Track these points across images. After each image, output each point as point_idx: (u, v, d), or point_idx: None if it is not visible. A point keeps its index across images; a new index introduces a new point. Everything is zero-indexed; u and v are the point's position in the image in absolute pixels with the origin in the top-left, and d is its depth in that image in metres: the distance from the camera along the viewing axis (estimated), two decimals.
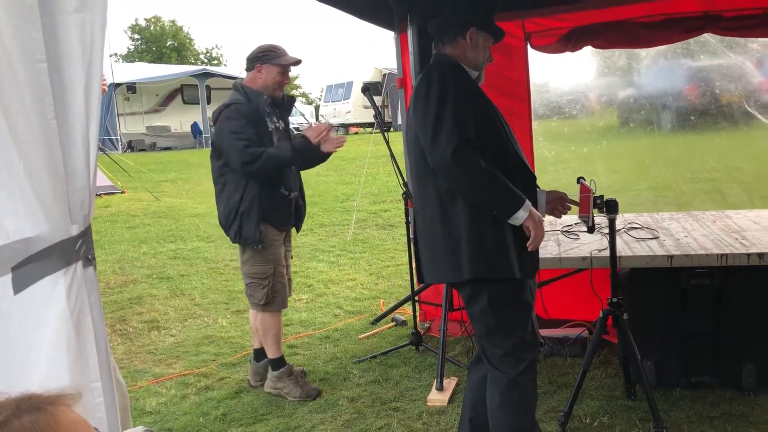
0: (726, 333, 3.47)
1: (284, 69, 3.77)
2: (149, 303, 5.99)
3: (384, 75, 24.54)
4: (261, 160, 3.56)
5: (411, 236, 2.87)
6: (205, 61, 46.12)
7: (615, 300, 3.25)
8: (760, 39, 4.49)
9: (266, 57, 3.73)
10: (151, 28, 45.88)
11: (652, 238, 3.67)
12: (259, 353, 4.05)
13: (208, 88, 26.37)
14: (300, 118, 26.36)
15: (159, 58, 42.36)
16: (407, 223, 4.37)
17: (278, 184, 3.77)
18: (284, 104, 3.97)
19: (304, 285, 6.31)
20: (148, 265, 7.46)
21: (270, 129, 3.75)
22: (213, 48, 57.96)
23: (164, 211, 11.13)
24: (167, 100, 26.77)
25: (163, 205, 11.67)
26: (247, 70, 3.82)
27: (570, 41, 4.17)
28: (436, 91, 2.45)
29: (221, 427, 3.61)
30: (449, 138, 2.37)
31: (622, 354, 3.63)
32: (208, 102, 26.10)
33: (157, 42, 45.48)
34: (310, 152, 3.75)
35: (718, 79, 5.07)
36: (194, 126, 26.66)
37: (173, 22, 46.35)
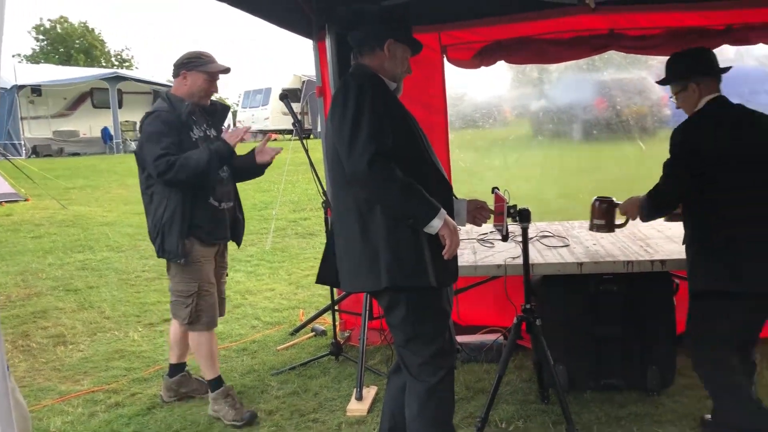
0: (632, 337, 3.63)
1: (211, 77, 3.63)
2: (55, 317, 5.70)
3: (303, 82, 24.41)
4: (175, 168, 3.41)
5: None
6: (116, 63, 44.49)
7: (528, 306, 3.34)
8: (660, 57, 4.74)
9: (192, 64, 3.59)
10: (58, 28, 43.86)
11: (563, 246, 3.80)
12: (174, 368, 3.92)
13: (120, 92, 25.46)
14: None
15: (67, 59, 40.50)
16: (327, 231, 4.34)
17: (206, 194, 3.59)
18: (217, 112, 3.82)
19: None
20: (54, 277, 7.10)
21: (195, 138, 3.59)
22: (123, 50, 55.86)
23: (72, 219, 10.64)
24: (76, 104, 25.63)
25: (71, 214, 11.16)
26: (174, 76, 3.66)
27: (484, 57, 4.30)
28: (353, 101, 2.45)
29: None
30: (365, 147, 2.38)
31: (535, 359, 3.74)
32: (120, 106, 25.19)
33: (65, 43, 43.51)
34: (230, 157, 3.58)
35: (622, 93, 5.32)
36: (104, 131, 25.67)
37: (84, 23, 44.49)
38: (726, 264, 2.86)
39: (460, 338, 4.07)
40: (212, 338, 3.73)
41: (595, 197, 3.48)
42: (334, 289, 4.51)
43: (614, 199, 3.47)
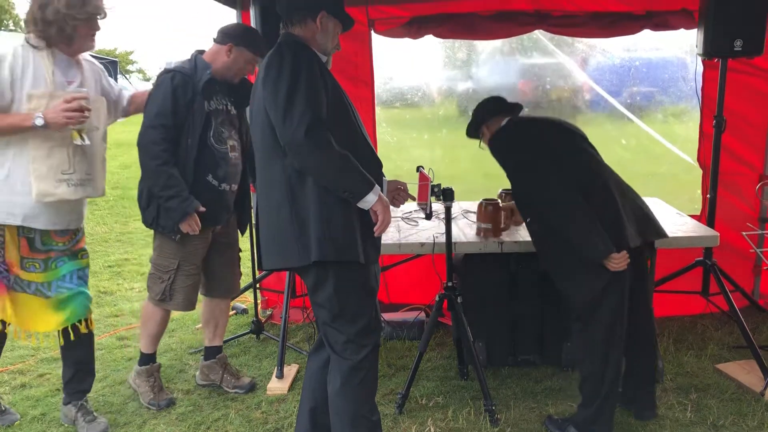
0: (548, 314, 3.73)
1: (255, 60, 3.33)
2: None
3: None
4: (157, 179, 3.16)
5: (254, 221, 2.78)
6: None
7: (450, 284, 3.38)
8: (584, 39, 4.85)
9: (244, 40, 3.29)
10: None
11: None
12: (207, 350, 3.74)
13: None
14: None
15: None
16: (249, 208, 4.24)
17: (205, 171, 3.28)
18: (243, 89, 3.45)
19: (136, 273, 5.96)
20: None
21: (208, 110, 3.27)
22: None
23: None
24: None
25: None
26: (216, 41, 3.34)
27: (412, 28, 4.27)
28: (289, 69, 2.38)
29: (40, 427, 3.32)
30: (302, 116, 2.31)
31: (456, 336, 3.79)
32: None
33: None
34: (179, 220, 3.25)
35: (545, 77, 5.43)
36: None
37: None
38: None
39: (382, 315, 4.09)
40: (166, 318, 3.56)
41: (482, 199, 3.59)
42: (256, 268, 4.42)
43: (500, 202, 3.58)
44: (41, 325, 3.08)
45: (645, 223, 2.99)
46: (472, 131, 3.28)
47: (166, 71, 3.29)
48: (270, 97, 2.40)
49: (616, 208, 2.87)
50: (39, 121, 2.72)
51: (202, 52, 3.39)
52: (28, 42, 2.81)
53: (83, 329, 3.19)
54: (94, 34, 2.90)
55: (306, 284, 2.63)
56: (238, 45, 3.30)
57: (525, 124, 3.19)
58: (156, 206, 3.28)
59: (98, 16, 2.89)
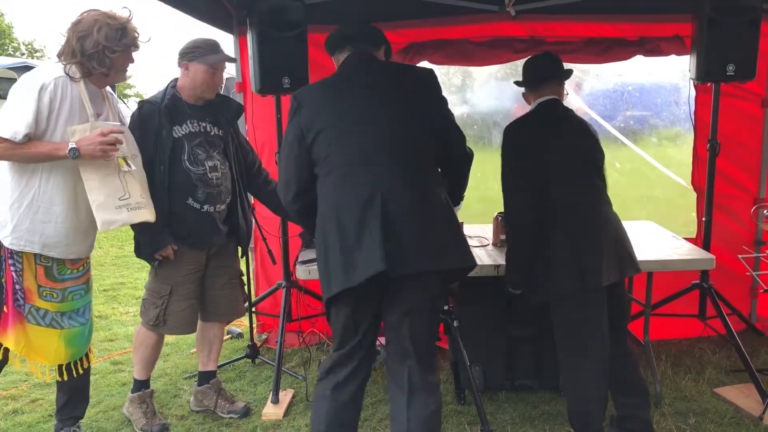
0: (545, 337, 3.70)
1: (212, 68, 3.34)
2: None
3: (225, 78, 23.88)
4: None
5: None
6: (26, 53, 42.20)
7: (446, 308, 3.36)
8: (578, 64, 4.89)
9: (192, 54, 3.31)
10: None
11: (480, 246, 3.84)
12: (201, 376, 3.71)
13: None
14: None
15: None
16: (247, 226, 4.22)
17: (185, 195, 3.30)
18: (222, 107, 3.50)
19: (131, 297, 5.93)
20: None
21: (179, 135, 3.29)
22: (34, 40, 53.00)
23: None
24: None
25: None
26: (179, 66, 3.39)
27: (408, 54, 4.30)
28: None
29: None
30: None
31: (452, 360, 3.77)
32: None
33: None
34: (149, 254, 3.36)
35: None
36: None
37: None
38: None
39: (381, 339, 4.05)
40: (159, 343, 3.54)
41: (497, 213, 3.58)
42: (252, 291, 4.40)
43: None
44: (51, 358, 3.03)
45: (619, 258, 2.97)
46: (522, 84, 3.19)
47: (138, 102, 3.37)
48: (446, 114, 2.70)
49: (597, 246, 2.88)
50: (73, 152, 2.73)
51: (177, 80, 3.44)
52: (67, 73, 2.81)
53: (86, 364, 3.16)
54: (128, 66, 2.93)
55: (414, 292, 2.56)
56: (191, 61, 3.34)
57: (549, 131, 3.05)
58: (136, 233, 3.33)
59: (133, 49, 2.91)
